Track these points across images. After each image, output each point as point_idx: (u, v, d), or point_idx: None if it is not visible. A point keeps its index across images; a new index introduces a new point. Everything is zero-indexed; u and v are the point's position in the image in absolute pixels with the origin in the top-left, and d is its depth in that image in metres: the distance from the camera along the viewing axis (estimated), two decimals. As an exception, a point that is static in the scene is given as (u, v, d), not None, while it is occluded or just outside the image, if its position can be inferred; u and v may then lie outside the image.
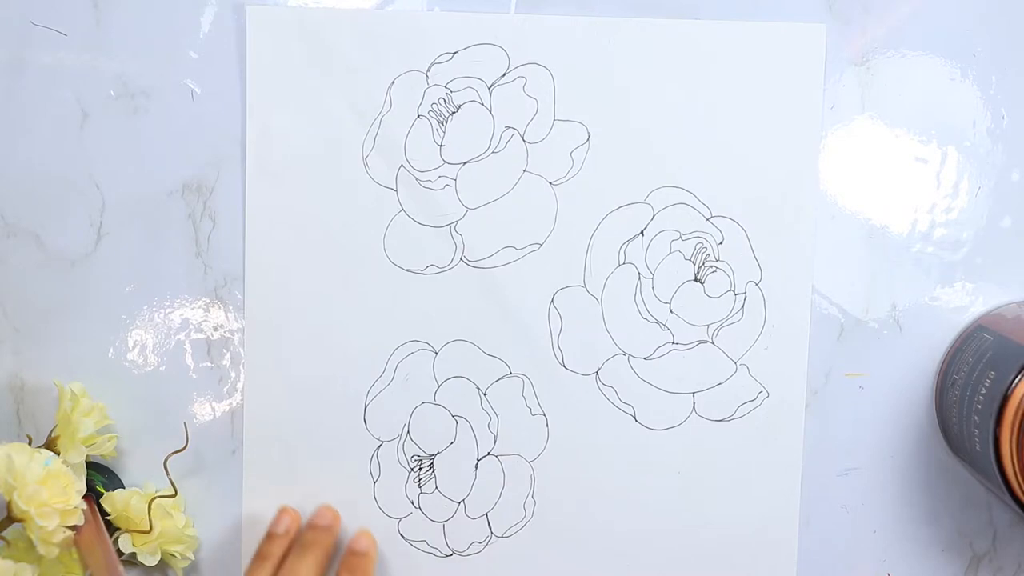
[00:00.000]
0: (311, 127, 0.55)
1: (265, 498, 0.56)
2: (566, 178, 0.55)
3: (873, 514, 0.56)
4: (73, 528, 0.49)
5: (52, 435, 0.54)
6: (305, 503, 0.56)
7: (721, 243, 0.55)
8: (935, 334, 0.55)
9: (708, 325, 0.56)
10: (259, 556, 0.54)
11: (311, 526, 0.55)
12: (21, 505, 0.48)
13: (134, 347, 0.56)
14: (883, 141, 0.55)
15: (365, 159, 0.55)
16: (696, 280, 0.55)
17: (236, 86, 0.55)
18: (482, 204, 0.55)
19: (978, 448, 0.50)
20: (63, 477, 0.49)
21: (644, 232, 0.55)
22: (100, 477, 0.55)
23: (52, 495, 0.49)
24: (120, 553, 0.53)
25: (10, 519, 0.49)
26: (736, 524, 0.56)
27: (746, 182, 0.55)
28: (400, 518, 0.57)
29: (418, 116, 0.55)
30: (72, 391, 0.53)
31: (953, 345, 0.55)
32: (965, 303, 0.55)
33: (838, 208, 0.55)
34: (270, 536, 0.55)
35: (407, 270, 0.56)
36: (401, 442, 0.56)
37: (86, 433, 0.53)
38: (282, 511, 0.56)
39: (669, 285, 0.55)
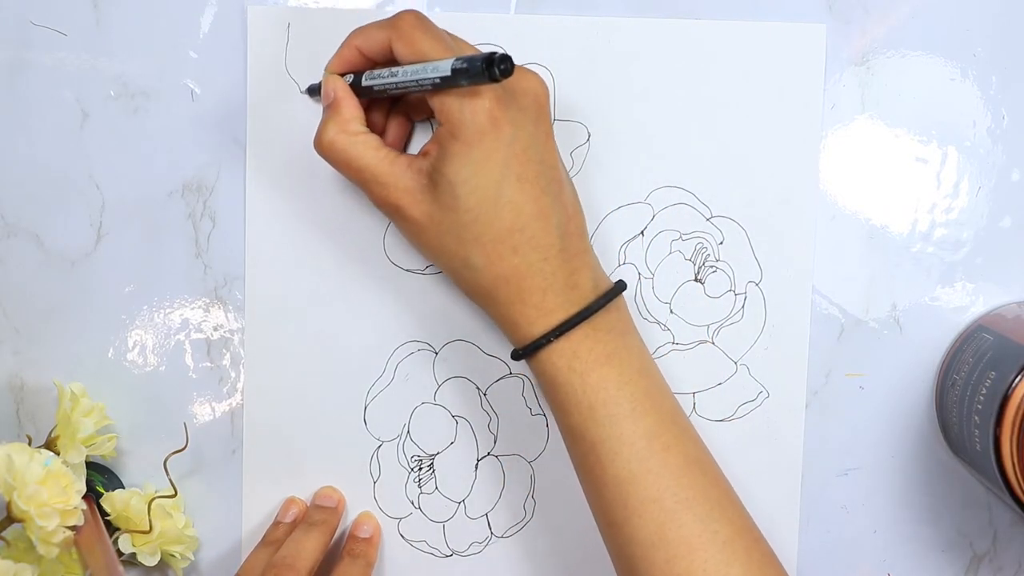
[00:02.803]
0: (311, 127, 0.54)
1: (265, 498, 0.56)
2: (566, 178, 0.55)
3: (873, 514, 0.56)
4: (73, 528, 0.49)
5: (52, 435, 0.54)
6: (305, 503, 0.57)
7: (721, 243, 0.55)
8: (935, 334, 0.55)
9: (708, 325, 0.56)
10: (264, 541, 0.54)
11: (316, 507, 0.55)
12: (21, 505, 0.48)
13: (134, 347, 0.56)
14: (883, 141, 0.55)
15: (365, 159, 0.55)
16: (696, 280, 0.56)
17: (236, 86, 0.55)
18: (482, 204, 0.55)
19: (978, 448, 0.50)
20: (63, 477, 0.49)
21: (644, 232, 0.55)
22: (100, 477, 0.55)
23: (52, 495, 0.48)
24: (120, 553, 0.53)
25: (10, 519, 0.49)
26: (736, 524, 0.56)
27: (746, 182, 0.55)
28: (400, 518, 0.57)
29: (418, 116, 0.55)
30: (72, 391, 0.53)
31: (953, 345, 0.55)
32: (965, 303, 0.55)
33: (838, 208, 0.55)
34: (276, 523, 0.55)
35: (407, 270, 0.56)
36: (401, 442, 0.56)
37: (86, 433, 0.53)
38: (289, 500, 0.56)
39: (669, 285, 0.55)
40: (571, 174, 0.55)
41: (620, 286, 0.50)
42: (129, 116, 0.55)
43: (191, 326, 0.56)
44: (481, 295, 0.49)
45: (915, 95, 0.55)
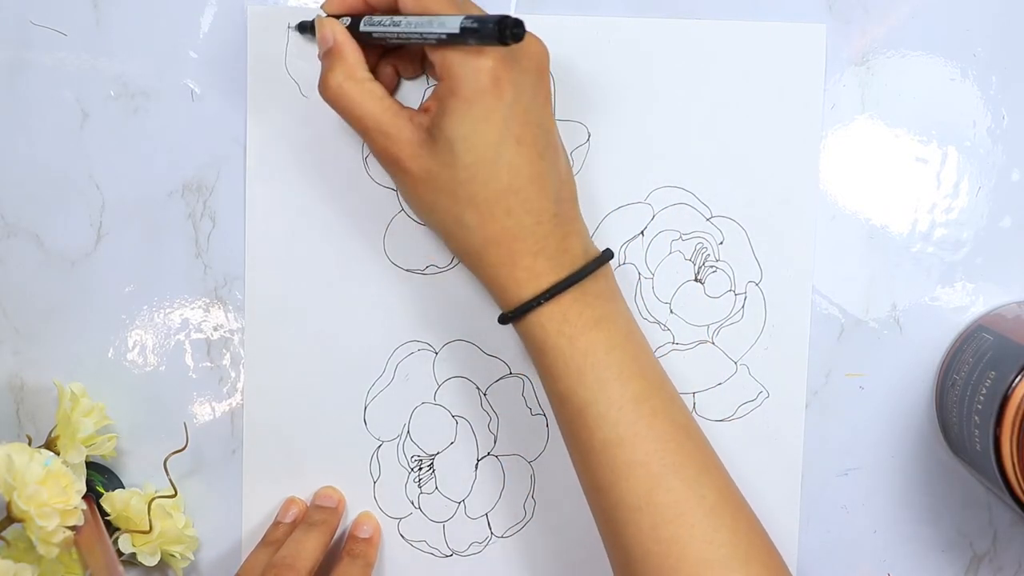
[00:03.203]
0: (311, 127, 0.55)
1: (265, 498, 0.56)
2: (566, 178, 0.55)
3: (873, 514, 0.56)
4: (73, 528, 0.49)
5: (52, 435, 0.54)
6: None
7: (721, 243, 0.55)
8: (935, 334, 0.55)
9: (708, 325, 0.56)
10: (264, 541, 0.54)
11: (316, 507, 0.55)
12: (21, 505, 0.48)
13: (134, 347, 0.56)
14: (883, 141, 0.55)
15: (365, 159, 0.55)
16: (696, 280, 0.56)
17: (236, 86, 0.55)
18: (482, 204, 0.55)
19: (978, 448, 0.50)
20: (63, 477, 0.49)
21: (644, 232, 0.55)
22: (100, 477, 0.55)
23: (52, 495, 0.48)
24: (120, 553, 0.53)
25: (10, 519, 0.49)
26: (736, 524, 0.56)
27: (746, 182, 0.55)
28: (400, 518, 0.57)
29: (418, 116, 0.55)
30: (72, 391, 0.53)
31: (953, 345, 0.55)
32: (965, 303, 0.55)
33: (838, 208, 0.55)
34: (276, 524, 0.55)
35: (407, 270, 0.56)
36: (401, 442, 0.56)
37: (86, 433, 0.53)
38: (289, 500, 0.56)
39: (669, 285, 0.55)
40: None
41: (608, 254, 0.50)
42: (129, 116, 0.55)
43: (191, 326, 0.56)
44: (471, 256, 0.49)
45: (915, 95, 0.55)
